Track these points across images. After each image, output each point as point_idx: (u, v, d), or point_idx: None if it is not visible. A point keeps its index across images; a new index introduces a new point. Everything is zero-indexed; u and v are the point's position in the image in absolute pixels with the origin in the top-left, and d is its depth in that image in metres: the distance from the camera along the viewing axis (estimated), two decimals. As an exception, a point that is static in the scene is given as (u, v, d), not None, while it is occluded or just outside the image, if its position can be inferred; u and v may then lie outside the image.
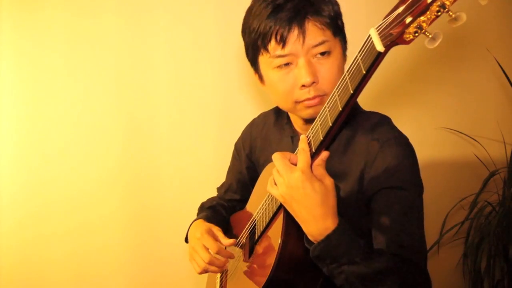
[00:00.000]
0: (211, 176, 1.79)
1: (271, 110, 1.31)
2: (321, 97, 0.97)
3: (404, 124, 1.06)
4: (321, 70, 0.96)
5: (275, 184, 0.89)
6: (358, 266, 0.83)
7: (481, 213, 1.86)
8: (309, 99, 0.97)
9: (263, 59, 1.01)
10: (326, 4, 0.97)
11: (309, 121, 1.04)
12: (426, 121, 1.94)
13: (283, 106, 1.06)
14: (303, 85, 0.96)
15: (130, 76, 1.85)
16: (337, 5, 1.01)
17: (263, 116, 1.34)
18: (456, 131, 1.94)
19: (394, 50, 0.66)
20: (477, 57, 1.93)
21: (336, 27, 0.99)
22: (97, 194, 1.89)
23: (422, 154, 0.99)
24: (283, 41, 0.95)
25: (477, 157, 1.93)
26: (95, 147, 1.87)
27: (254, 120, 1.36)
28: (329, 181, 0.85)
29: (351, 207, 1.01)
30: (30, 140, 1.84)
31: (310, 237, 0.86)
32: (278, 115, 1.25)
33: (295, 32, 0.94)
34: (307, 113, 1.01)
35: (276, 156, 0.87)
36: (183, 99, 1.89)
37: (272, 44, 0.96)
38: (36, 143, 1.84)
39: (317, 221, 0.83)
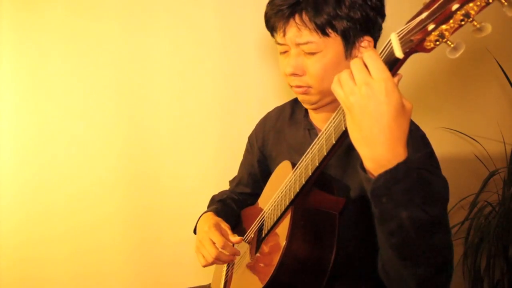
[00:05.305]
0: (211, 176, 1.79)
1: (287, 103, 1.29)
2: (305, 88, 1.03)
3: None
4: (306, 65, 1.01)
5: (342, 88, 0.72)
6: (416, 210, 0.70)
7: (481, 213, 1.86)
8: (292, 86, 1.05)
9: None
10: (325, 5, 0.95)
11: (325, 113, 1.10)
12: (426, 121, 1.91)
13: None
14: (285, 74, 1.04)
15: (130, 76, 1.84)
16: (342, 5, 0.97)
17: (277, 110, 1.32)
18: (456, 131, 1.95)
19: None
20: (477, 57, 1.93)
21: (323, 29, 0.96)
22: (98, 194, 1.88)
23: (422, 154, 0.99)
24: (275, 30, 1.03)
25: (477, 157, 1.94)
26: (95, 146, 1.86)
27: (268, 113, 1.35)
28: (409, 104, 0.69)
29: (365, 201, 1.00)
30: (30, 140, 1.83)
31: (369, 164, 0.71)
32: (295, 108, 1.24)
33: (281, 23, 1.01)
34: (299, 97, 1.08)
35: (355, 60, 0.71)
36: (184, 100, 1.88)
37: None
38: (36, 143, 1.83)
39: (391, 144, 0.68)
